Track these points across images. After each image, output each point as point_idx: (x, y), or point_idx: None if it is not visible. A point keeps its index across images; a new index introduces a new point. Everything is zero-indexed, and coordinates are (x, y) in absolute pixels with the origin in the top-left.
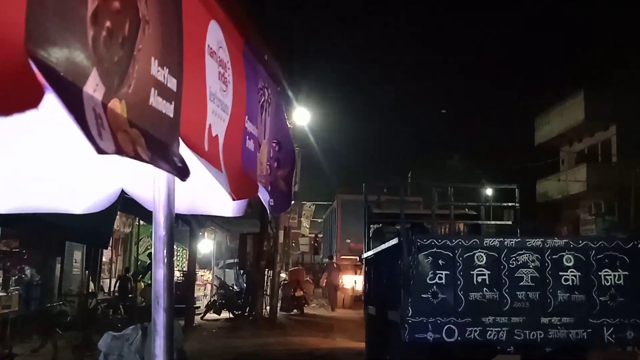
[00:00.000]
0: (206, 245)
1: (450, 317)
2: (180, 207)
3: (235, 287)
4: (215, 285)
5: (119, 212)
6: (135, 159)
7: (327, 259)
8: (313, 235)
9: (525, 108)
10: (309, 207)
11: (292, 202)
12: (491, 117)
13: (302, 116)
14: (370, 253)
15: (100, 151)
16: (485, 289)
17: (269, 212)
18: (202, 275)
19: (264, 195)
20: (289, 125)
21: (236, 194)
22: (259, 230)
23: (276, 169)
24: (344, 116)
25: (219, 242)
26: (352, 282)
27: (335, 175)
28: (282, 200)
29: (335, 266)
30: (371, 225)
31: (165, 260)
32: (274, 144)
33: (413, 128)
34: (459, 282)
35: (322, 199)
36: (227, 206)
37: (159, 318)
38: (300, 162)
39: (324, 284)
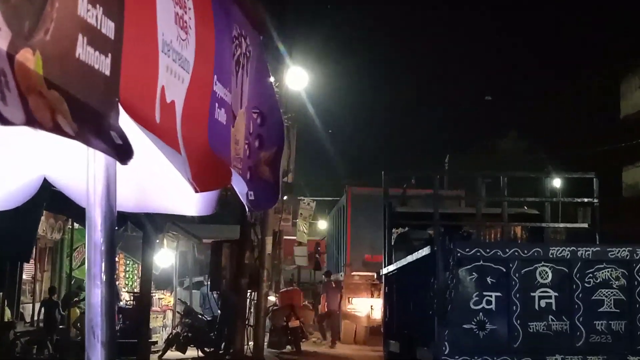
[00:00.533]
0: (166, 257)
1: (502, 356)
2: (126, 203)
3: (205, 315)
4: (178, 313)
5: (44, 212)
6: (55, 132)
7: (324, 276)
8: (314, 242)
9: (607, 67)
10: (308, 204)
11: (285, 197)
12: (559, 81)
13: (298, 78)
14: (392, 268)
15: (4, 121)
16: (550, 317)
17: (247, 209)
18: (160, 299)
19: (240, 186)
20: (276, 90)
21: (200, 184)
22: (238, 237)
23: (258, 149)
24: (356, 80)
25: (183, 252)
26: (368, 307)
27: (344, 161)
28: (267, 193)
29: (333, 286)
30: (393, 230)
31: (104, 277)
32: (255, 115)
33: (450, 97)
34: (514, 308)
35: (326, 193)
36: (190, 202)
37: (96, 356)
38: (295, 142)
39: (324, 311)
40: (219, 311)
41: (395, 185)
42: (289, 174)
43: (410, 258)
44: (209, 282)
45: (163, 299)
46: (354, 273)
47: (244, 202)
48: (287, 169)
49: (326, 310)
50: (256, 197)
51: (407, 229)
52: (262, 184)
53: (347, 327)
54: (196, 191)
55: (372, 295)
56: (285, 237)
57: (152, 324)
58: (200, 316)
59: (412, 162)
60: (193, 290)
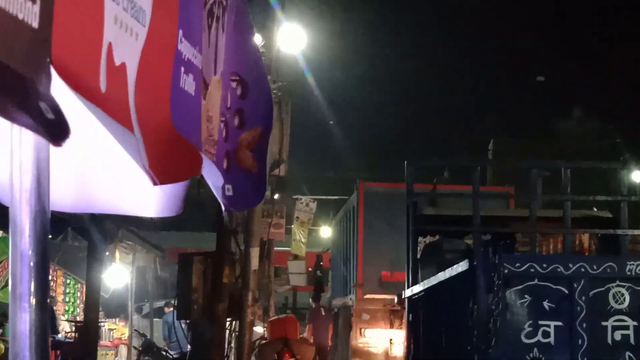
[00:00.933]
0: (119, 275)
1: None
2: (64, 201)
3: (171, 352)
4: (135, 348)
5: None
6: None
7: (312, 300)
8: (314, 255)
9: None
10: (307, 205)
11: (276, 196)
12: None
13: (293, 38)
14: (418, 289)
15: None
16: (628, 353)
17: (223, 208)
18: (111, 330)
19: (214, 178)
20: (263, 53)
21: (160, 174)
22: (213, 248)
23: (238, 129)
24: (370, 41)
25: (141, 269)
26: (386, 342)
27: (355, 148)
28: (250, 186)
29: (323, 313)
30: (420, 239)
31: (33, 299)
32: (234, 84)
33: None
34: (579, 342)
35: (331, 191)
36: (149, 199)
37: None
38: (289, 121)
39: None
40: (189, 347)
41: (423, 179)
42: (281, 165)
43: (441, 276)
44: (175, 308)
45: (115, 330)
46: (367, 296)
47: (219, 198)
48: (279, 157)
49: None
50: (236, 193)
51: (437, 237)
52: (243, 175)
53: None
54: (155, 183)
55: (392, 326)
56: (276, 249)
57: None
58: (164, 353)
59: (444, 149)
60: (155, 319)
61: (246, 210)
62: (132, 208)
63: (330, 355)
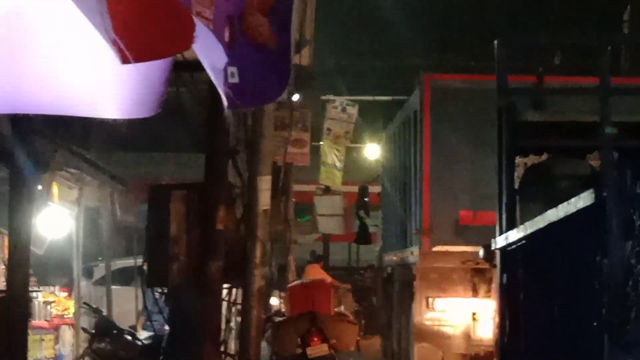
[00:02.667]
0: (58, 220)
1: None
2: None
3: (139, 334)
4: (85, 331)
5: None
6: None
7: (310, 257)
8: (354, 188)
9: None
10: (342, 110)
11: (296, 96)
12: None
13: None
14: (515, 236)
15: None
16: None
17: (225, 104)
18: (48, 304)
19: (211, 54)
20: None
21: (132, 47)
22: (202, 178)
23: None
24: None
25: (91, 211)
26: (466, 317)
27: (415, 24)
28: (264, 69)
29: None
30: (517, 159)
31: None
32: None
33: None
34: None
35: (379, 88)
36: (110, 90)
37: None
38: None
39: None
40: (166, 326)
41: (522, 69)
42: (303, 49)
43: (552, 215)
44: (144, 270)
45: (54, 304)
46: (437, 248)
47: (220, 88)
48: (300, 37)
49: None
50: (244, 79)
51: (545, 156)
52: (254, 51)
53: (425, 355)
54: (124, 60)
55: (475, 293)
56: (298, 179)
57: (32, 354)
58: (129, 337)
59: (551, 26)
60: (114, 287)
61: (260, 106)
62: (84, 106)
63: (381, 338)
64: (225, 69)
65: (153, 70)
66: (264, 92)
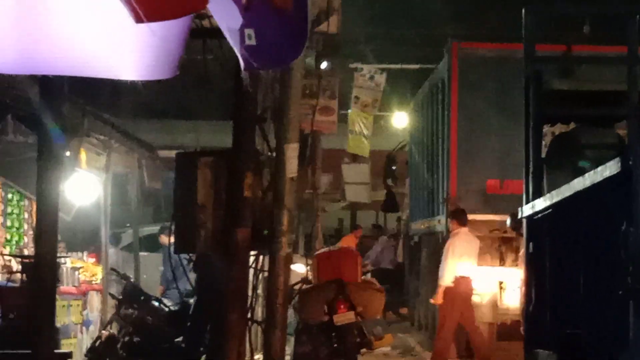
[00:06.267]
0: (86, 186)
1: None
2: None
3: (167, 301)
4: (113, 297)
5: None
6: None
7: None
8: (382, 156)
9: None
10: (370, 78)
11: (324, 64)
12: None
13: None
14: (542, 205)
15: None
16: None
17: (242, 66)
18: (76, 270)
19: (227, 16)
20: None
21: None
22: (229, 145)
23: None
24: None
25: (119, 178)
26: (493, 286)
27: None
28: (281, 31)
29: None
30: (545, 128)
31: None
32: None
33: None
34: None
35: (407, 56)
36: (129, 53)
37: None
38: None
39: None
40: (194, 294)
41: (550, 37)
42: (331, 17)
43: (579, 184)
44: (172, 238)
45: (82, 270)
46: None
47: (236, 50)
48: (327, 4)
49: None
50: (261, 41)
51: (572, 125)
52: (272, 13)
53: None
54: (139, 20)
55: (503, 261)
56: (325, 147)
57: (60, 319)
58: (155, 303)
59: None
60: (141, 253)
61: (277, 68)
62: (102, 68)
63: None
64: (241, 31)
65: (170, 32)
66: (280, 55)
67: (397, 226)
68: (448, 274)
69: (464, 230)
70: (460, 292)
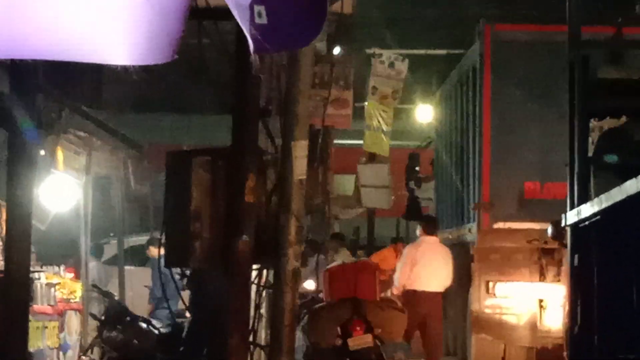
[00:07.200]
0: (63, 190)
1: None
2: None
3: (156, 322)
4: (94, 317)
5: None
6: None
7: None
8: (404, 155)
9: None
10: (390, 66)
11: (337, 49)
12: None
13: None
14: (589, 211)
15: None
16: None
17: (251, 48)
18: (52, 286)
19: None
20: None
21: None
22: (228, 143)
23: None
24: None
25: (102, 180)
26: (532, 304)
27: None
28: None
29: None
30: (592, 122)
31: None
32: None
33: None
34: None
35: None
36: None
37: None
38: None
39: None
40: (188, 313)
41: (596, 18)
42: None
43: (631, 187)
44: (162, 250)
45: (59, 287)
46: (499, 225)
47: (244, 27)
48: None
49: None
50: (273, 19)
51: (623, 119)
52: None
53: (485, 347)
54: None
55: (543, 277)
56: (339, 143)
57: (33, 343)
58: (143, 324)
59: None
60: (127, 267)
61: (292, 49)
62: (89, 51)
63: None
64: (251, 7)
65: (167, 10)
66: (295, 35)
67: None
68: (395, 282)
69: (431, 239)
70: (408, 307)
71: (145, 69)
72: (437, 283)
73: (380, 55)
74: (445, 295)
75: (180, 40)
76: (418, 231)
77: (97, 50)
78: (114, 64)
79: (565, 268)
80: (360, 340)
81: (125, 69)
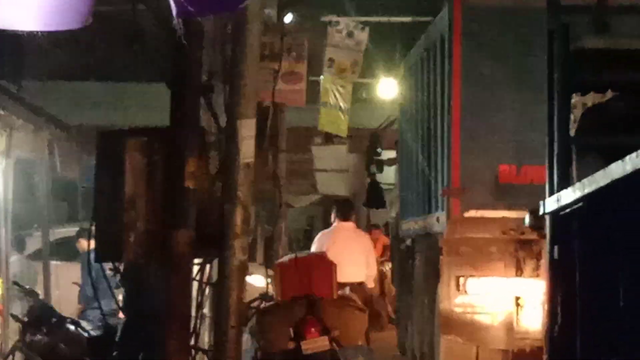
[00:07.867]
0: None
1: None
2: None
3: (86, 324)
4: (16, 319)
5: None
6: None
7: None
8: (364, 135)
9: None
10: (348, 35)
11: (288, 16)
12: None
13: None
14: (570, 197)
15: None
16: None
17: (174, 12)
18: None
19: None
20: None
21: None
22: (166, 122)
23: None
24: None
25: (23, 163)
26: (508, 303)
27: None
28: None
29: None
30: (574, 97)
31: None
32: None
33: None
34: None
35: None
36: None
37: None
38: None
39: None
40: (121, 313)
41: None
42: None
43: (617, 169)
44: (92, 242)
45: None
46: (470, 213)
47: None
48: None
49: None
50: None
51: (609, 94)
52: None
53: (455, 351)
54: None
55: (520, 271)
56: (291, 125)
57: None
58: (71, 327)
59: None
60: (53, 262)
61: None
62: None
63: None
64: None
65: None
66: None
67: (384, 227)
68: None
69: (346, 225)
70: None
71: (73, 40)
72: (354, 273)
73: (338, 23)
74: (412, 290)
75: (93, 4)
76: (332, 216)
77: (4, 17)
78: (24, 30)
79: (544, 261)
80: (315, 343)
81: (48, 37)
